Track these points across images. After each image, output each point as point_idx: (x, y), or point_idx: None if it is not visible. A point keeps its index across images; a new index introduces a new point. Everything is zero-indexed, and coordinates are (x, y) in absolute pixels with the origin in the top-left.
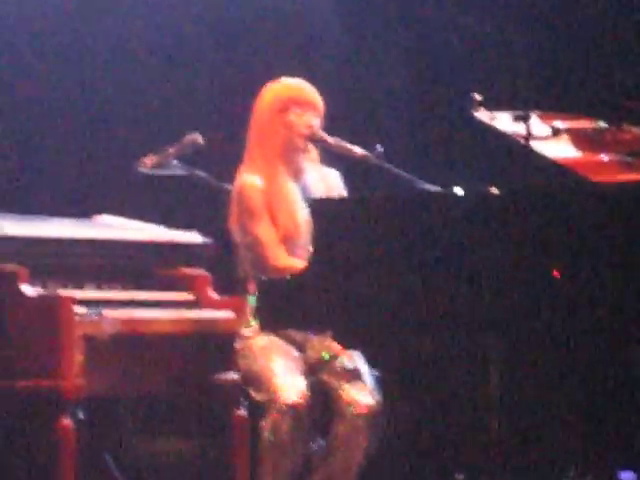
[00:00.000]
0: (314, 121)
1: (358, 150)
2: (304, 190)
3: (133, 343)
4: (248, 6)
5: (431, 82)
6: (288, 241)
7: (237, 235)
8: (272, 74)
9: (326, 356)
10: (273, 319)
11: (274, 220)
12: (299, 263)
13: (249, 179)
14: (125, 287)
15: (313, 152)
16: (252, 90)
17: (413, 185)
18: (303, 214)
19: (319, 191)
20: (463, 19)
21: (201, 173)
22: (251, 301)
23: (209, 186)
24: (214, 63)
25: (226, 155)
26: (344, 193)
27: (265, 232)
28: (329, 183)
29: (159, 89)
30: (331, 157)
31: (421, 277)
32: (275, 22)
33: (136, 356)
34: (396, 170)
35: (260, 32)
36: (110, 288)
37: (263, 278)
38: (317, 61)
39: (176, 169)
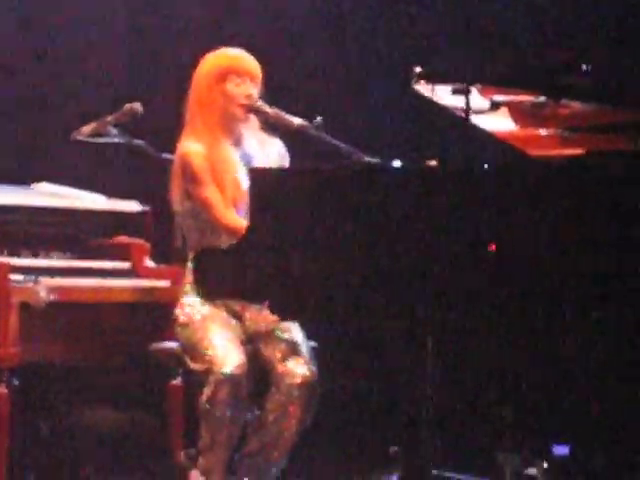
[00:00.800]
0: (252, 90)
1: (297, 120)
2: (244, 157)
3: (69, 311)
4: None
5: (373, 53)
6: (234, 205)
7: (179, 203)
8: (210, 40)
9: (262, 323)
10: (210, 289)
11: (218, 186)
12: (242, 220)
13: (192, 146)
14: (62, 255)
15: (254, 120)
16: (190, 58)
17: (352, 157)
18: (245, 181)
19: (258, 159)
20: None
21: (139, 141)
22: (189, 271)
23: (147, 155)
24: (152, 29)
25: (165, 124)
26: (285, 163)
27: (213, 194)
28: (268, 152)
29: (99, 56)
30: (274, 128)
31: (358, 249)
32: None
33: (72, 324)
34: (335, 142)
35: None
36: (47, 256)
37: (201, 248)
38: (256, 29)
39: (114, 137)
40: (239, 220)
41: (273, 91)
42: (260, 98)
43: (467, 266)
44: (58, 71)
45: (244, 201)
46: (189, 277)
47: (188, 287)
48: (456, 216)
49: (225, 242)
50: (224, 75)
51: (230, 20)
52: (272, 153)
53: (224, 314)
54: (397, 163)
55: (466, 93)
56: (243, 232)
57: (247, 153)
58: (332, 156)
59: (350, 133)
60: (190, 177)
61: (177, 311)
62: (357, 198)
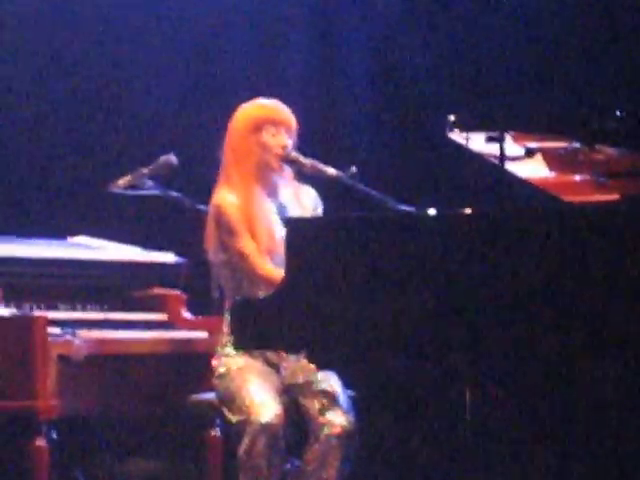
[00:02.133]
0: (287, 141)
1: (331, 171)
2: (279, 208)
3: (107, 363)
4: (221, 26)
5: (406, 103)
6: (268, 256)
7: (215, 254)
8: (245, 95)
9: (299, 373)
10: (247, 339)
11: (253, 237)
12: (279, 271)
13: (226, 197)
14: (99, 307)
15: (288, 170)
16: (226, 111)
17: (387, 206)
18: (280, 231)
19: (293, 210)
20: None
21: (175, 193)
22: (226, 322)
23: (183, 206)
24: (185, 84)
25: (201, 176)
26: (319, 211)
27: (248, 245)
28: (303, 201)
29: (134, 111)
30: (306, 176)
31: (395, 297)
32: (248, 43)
33: (110, 376)
34: (370, 191)
35: (232, 53)
36: (84, 309)
37: (237, 298)
38: (293, 83)
39: (150, 189)
40: (275, 270)
41: (309, 141)
42: (295, 149)
43: (505, 315)
44: (95, 123)
45: (279, 251)
46: (226, 328)
47: (225, 338)
48: (493, 264)
49: (262, 292)
50: (260, 125)
51: (265, 74)
52: (306, 202)
53: (261, 365)
54: (432, 211)
55: (500, 140)
56: (279, 282)
57: (282, 203)
58: (367, 205)
59: (385, 182)
60: (225, 228)
61: (214, 362)
62: (392, 246)
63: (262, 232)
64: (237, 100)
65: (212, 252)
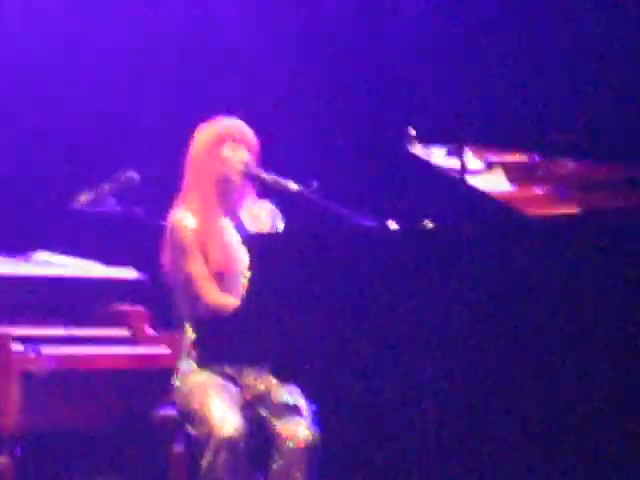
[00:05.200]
0: (248, 156)
1: (293, 185)
2: (238, 226)
3: (71, 379)
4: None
5: (366, 116)
6: (220, 278)
7: (170, 273)
8: (209, 111)
9: (261, 387)
10: (209, 355)
11: (206, 257)
12: (231, 300)
13: (180, 217)
14: (62, 324)
15: (248, 186)
16: (190, 126)
17: (348, 219)
18: (235, 250)
19: (252, 226)
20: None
21: (136, 210)
22: (187, 338)
23: (144, 223)
24: (152, 98)
25: (163, 192)
26: (279, 226)
27: (196, 269)
28: (261, 218)
29: (96, 125)
30: (268, 192)
31: (357, 310)
32: (213, 62)
33: (74, 392)
34: (332, 205)
35: (198, 68)
36: (47, 325)
37: (198, 316)
38: (252, 98)
39: (111, 206)
40: (220, 296)
41: (269, 155)
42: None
43: (468, 327)
44: (54, 137)
45: (233, 272)
46: (185, 344)
47: (185, 354)
48: (454, 276)
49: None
50: (220, 140)
51: (223, 87)
52: (264, 218)
53: (221, 379)
54: (393, 225)
55: (461, 154)
56: (223, 310)
57: (241, 221)
58: (329, 219)
59: (347, 197)
60: (177, 249)
61: (174, 378)
62: (354, 260)
63: (216, 255)
64: (198, 115)
65: (167, 270)
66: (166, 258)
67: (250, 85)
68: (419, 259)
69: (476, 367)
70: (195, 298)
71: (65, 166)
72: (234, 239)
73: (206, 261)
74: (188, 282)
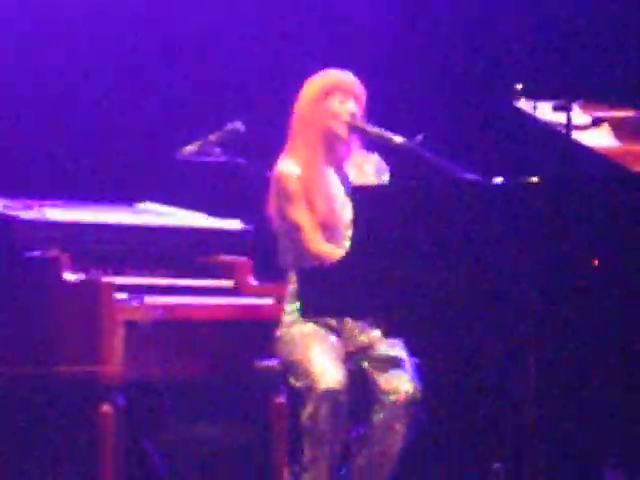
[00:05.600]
0: (355, 108)
1: (398, 138)
2: (343, 179)
3: (173, 329)
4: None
5: (473, 70)
6: (325, 228)
7: (275, 222)
8: (315, 65)
9: (364, 340)
10: (313, 307)
11: (311, 207)
12: (336, 249)
13: (286, 166)
14: (166, 274)
15: (354, 138)
16: (297, 81)
17: (454, 174)
18: (340, 202)
19: (357, 179)
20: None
21: (242, 160)
22: (291, 288)
23: (250, 174)
24: (257, 52)
25: (271, 143)
26: (385, 178)
27: (302, 217)
28: (367, 170)
29: (203, 76)
30: (373, 145)
31: (461, 266)
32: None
33: (176, 342)
34: (437, 158)
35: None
36: (151, 275)
37: (303, 266)
38: (358, 53)
39: (217, 156)
40: (327, 247)
41: (373, 109)
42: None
43: (570, 283)
44: (161, 92)
45: (338, 226)
46: (289, 295)
47: (289, 305)
48: (559, 232)
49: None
50: (327, 92)
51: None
52: (370, 171)
53: (324, 331)
54: (498, 180)
55: (567, 110)
56: (328, 259)
57: (346, 174)
58: (434, 173)
59: (452, 150)
60: (283, 197)
61: (278, 329)
62: (459, 214)
63: (321, 205)
64: (305, 67)
65: (273, 219)
66: (272, 206)
67: (356, 40)
68: (523, 214)
69: (577, 326)
70: (300, 246)
71: (171, 115)
72: (339, 191)
73: (311, 210)
74: (293, 229)
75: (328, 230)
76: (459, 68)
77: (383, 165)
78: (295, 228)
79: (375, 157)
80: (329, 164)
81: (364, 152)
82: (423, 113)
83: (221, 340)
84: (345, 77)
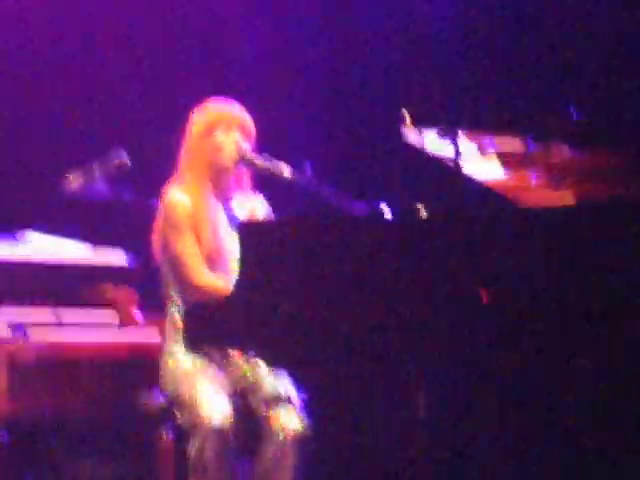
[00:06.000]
0: (241, 141)
1: (287, 172)
2: (229, 214)
3: (57, 365)
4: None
5: (359, 99)
6: (210, 260)
7: (159, 251)
8: (201, 91)
9: (250, 376)
10: (198, 339)
11: (198, 238)
12: (222, 283)
13: (177, 196)
14: (49, 307)
15: (242, 172)
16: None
17: (341, 206)
18: (227, 237)
19: (244, 214)
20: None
21: (128, 195)
22: (174, 321)
23: (136, 206)
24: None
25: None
26: (268, 216)
27: (188, 247)
28: (252, 207)
29: (86, 105)
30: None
31: (346, 298)
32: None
33: (60, 380)
34: (324, 189)
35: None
36: (34, 308)
37: (186, 298)
38: (235, 78)
39: (102, 191)
40: (210, 277)
41: (263, 138)
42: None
43: (459, 316)
44: (38, 115)
45: (223, 257)
46: (170, 328)
47: (171, 338)
48: (444, 264)
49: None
50: (213, 126)
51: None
52: (257, 208)
53: (209, 365)
54: (386, 211)
55: (453, 137)
56: (212, 290)
57: (232, 209)
58: (321, 206)
59: (339, 179)
60: (170, 226)
61: (161, 362)
62: (346, 247)
63: (208, 236)
64: (193, 95)
65: (157, 251)
66: (157, 236)
67: (246, 68)
68: (410, 248)
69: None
70: (184, 278)
71: (50, 144)
72: (227, 224)
73: (197, 241)
74: (178, 260)
75: (214, 262)
76: (349, 95)
77: (266, 205)
78: (180, 259)
79: (260, 197)
80: (217, 198)
81: (250, 192)
82: (309, 141)
83: (106, 375)
84: (230, 109)
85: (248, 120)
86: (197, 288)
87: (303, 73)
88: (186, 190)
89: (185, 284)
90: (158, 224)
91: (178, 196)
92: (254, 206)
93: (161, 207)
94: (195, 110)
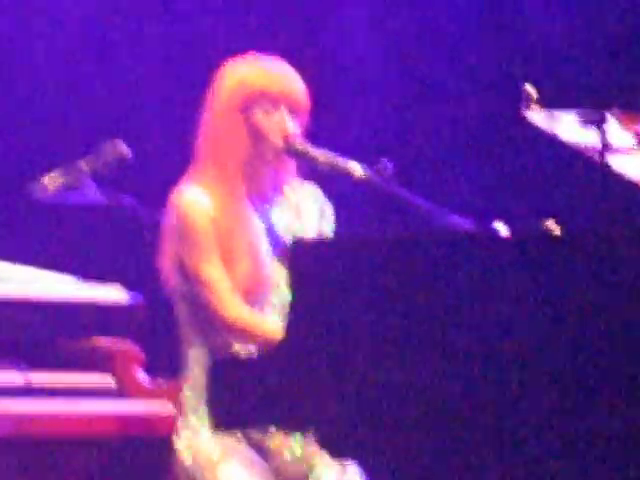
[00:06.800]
0: (291, 123)
1: (357, 168)
2: (269, 223)
3: (28, 447)
4: None
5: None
6: (245, 293)
7: (172, 278)
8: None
9: (302, 464)
10: (229, 414)
11: (227, 262)
12: (260, 318)
13: (196, 197)
14: (17, 366)
15: (289, 165)
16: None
17: (433, 218)
18: (267, 256)
19: (290, 227)
20: None
21: (127, 199)
22: (194, 384)
23: (139, 219)
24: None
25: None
26: (328, 225)
27: (213, 270)
28: (305, 211)
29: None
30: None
31: (440, 355)
32: None
33: (33, 464)
34: (409, 195)
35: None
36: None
37: (213, 345)
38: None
39: (90, 193)
40: (245, 311)
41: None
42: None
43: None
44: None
45: (264, 286)
46: (189, 391)
47: (190, 409)
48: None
49: (237, 342)
50: (251, 99)
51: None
52: (310, 212)
53: (243, 447)
54: (502, 228)
55: (600, 123)
56: (251, 332)
57: (272, 216)
58: (403, 215)
59: (432, 183)
60: (187, 241)
61: (177, 444)
62: (444, 279)
63: (242, 256)
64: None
65: (168, 277)
66: (167, 259)
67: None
68: (538, 278)
69: None
70: (208, 314)
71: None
72: (265, 240)
73: (227, 263)
74: (199, 288)
75: (249, 294)
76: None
77: (326, 204)
78: (201, 285)
79: (312, 189)
80: (252, 201)
81: (299, 182)
82: (387, 125)
83: (96, 462)
84: (278, 76)
85: (301, 92)
86: (228, 328)
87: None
88: (208, 189)
89: (210, 322)
90: (168, 237)
91: (197, 197)
92: (305, 209)
93: (172, 213)
94: (221, 73)
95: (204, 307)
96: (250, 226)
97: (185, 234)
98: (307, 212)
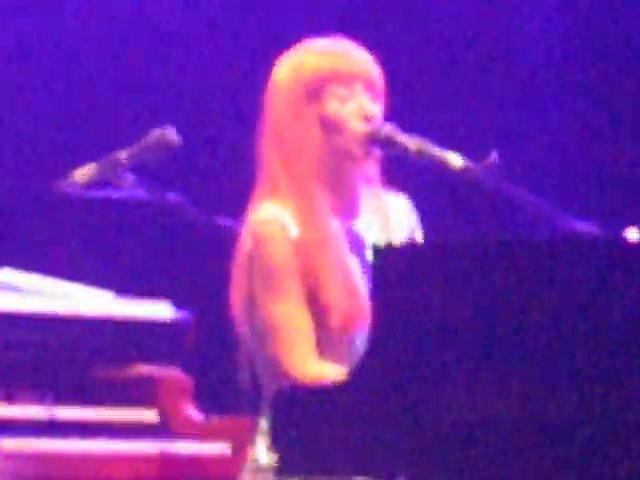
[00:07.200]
0: (372, 106)
1: (454, 158)
2: (356, 238)
3: None
4: None
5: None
6: (332, 332)
7: (243, 312)
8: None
9: None
10: (297, 457)
11: (314, 296)
12: (334, 372)
13: (271, 216)
14: (41, 399)
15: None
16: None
17: (548, 218)
18: (361, 283)
19: (374, 231)
20: None
21: (175, 197)
22: (262, 425)
23: (188, 220)
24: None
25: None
26: (414, 230)
27: (287, 315)
28: (392, 228)
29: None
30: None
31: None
32: None
33: None
34: (521, 193)
35: None
36: (14, 400)
37: (282, 387)
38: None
39: (130, 188)
40: (314, 365)
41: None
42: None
43: None
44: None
45: (361, 323)
46: (261, 437)
47: (259, 455)
48: None
49: None
50: (319, 86)
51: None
52: (398, 219)
53: None
54: (635, 234)
55: None
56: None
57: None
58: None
59: (559, 180)
60: (261, 272)
61: None
62: (565, 296)
63: (329, 286)
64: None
65: (239, 310)
66: (238, 290)
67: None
68: None
69: None
70: (273, 360)
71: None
72: (355, 262)
73: (310, 298)
74: (271, 332)
75: (336, 335)
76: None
77: (411, 209)
78: (270, 330)
79: (404, 201)
80: (339, 215)
81: (383, 189)
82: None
83: None
84: (345, 55)
85: (375, 69)
86: (292, 380)
87: None
88: (285, 204)
89: (275, 370)
90: (240, 266)
91: (275, 217)
92: (396, 216)
93: (246, 238)
94: (282, 60)
95: (268, 354)
96: (344, 254)
97: (259, 267)
98: (397, 227)
